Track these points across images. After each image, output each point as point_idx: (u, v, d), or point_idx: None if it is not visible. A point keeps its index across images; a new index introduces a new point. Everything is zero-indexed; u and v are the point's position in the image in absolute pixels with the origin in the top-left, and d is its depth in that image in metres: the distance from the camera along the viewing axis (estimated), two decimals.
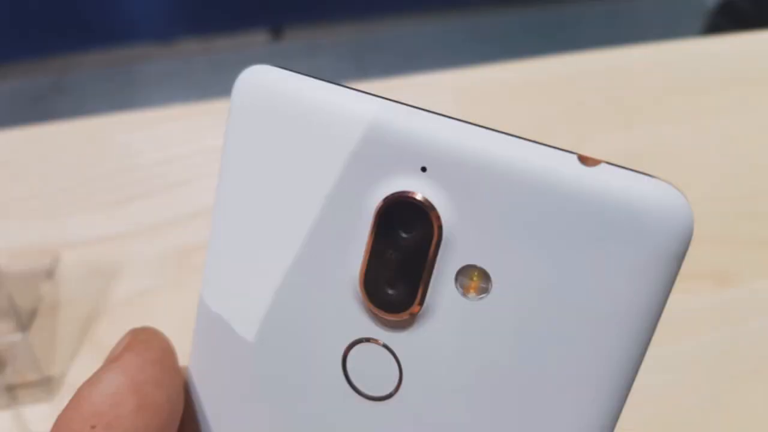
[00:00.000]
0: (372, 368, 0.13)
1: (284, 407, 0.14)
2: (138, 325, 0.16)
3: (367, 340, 0.13)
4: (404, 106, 0.12)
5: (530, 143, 0.12)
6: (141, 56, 1.36)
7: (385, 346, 0.13)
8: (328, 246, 0.13)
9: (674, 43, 0.50)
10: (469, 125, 0.12)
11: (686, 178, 0.37)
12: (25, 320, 0.31)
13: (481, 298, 0.12)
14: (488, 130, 0.12)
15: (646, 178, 0.11)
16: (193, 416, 0.16)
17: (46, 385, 0.30)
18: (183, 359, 0.16)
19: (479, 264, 0.12)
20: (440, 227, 0.12)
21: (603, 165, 0.11)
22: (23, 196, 0.39)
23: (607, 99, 0.46)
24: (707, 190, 0.39)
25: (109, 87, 1.31)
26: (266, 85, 0.13)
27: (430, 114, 0.12)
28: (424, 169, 0.12)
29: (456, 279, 0.12)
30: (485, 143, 0.12)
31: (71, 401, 0.14)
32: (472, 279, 0.12)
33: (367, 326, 0.13)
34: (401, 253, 0.12)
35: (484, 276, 0.12)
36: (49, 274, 0.34)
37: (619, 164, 0.11)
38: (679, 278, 0.11)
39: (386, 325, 0.13)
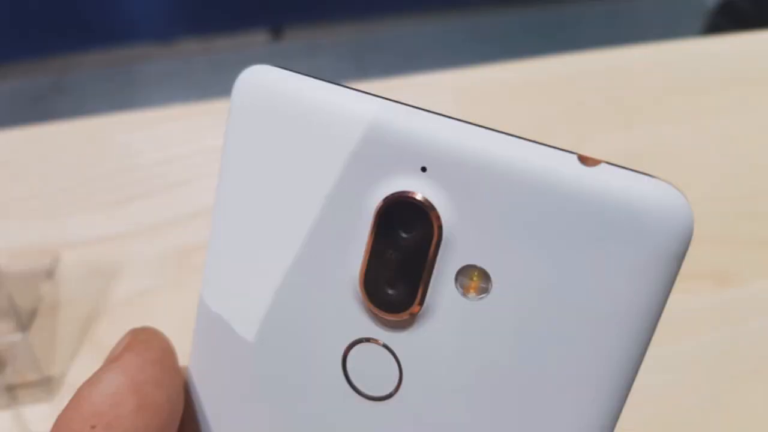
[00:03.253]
0: (372, 368, 0.13)
1: (284, 407, 0.14)
2: (138, 325, 0.16)
3: (367, 340, 0.13)
4: (404, 106, 0.12)
5: (530, 143, 0.12)
6: (141, 56, 1.36)
7: (385, 346, 0.13)
8: (328, 246, 0.13)
9: (674, 43, 0.50)
10: (469, 125, 0.12)
11: (686, 178, 0.37)
12: (25, 320, 0.31)
13: (481, 298, 0.12)
14: (488, 130, 0.12)
15: (646, 178, 0.11)
16: (193, 416, 0.16)
17: (46, 385, 0.30)
18: (183, 359, 0.16)
19: (479, 264, 0.12)
20: (440, 227, 0.12)
21: (603, 165, 0.11)
22: (23, 196, 0.39)
23: (607, 99, 0.46)
24: (707, 190, 0.39)
25: (109, 87, 1.31)
26: (266, 85, 0.13)
27: (430, 114, 0.12)
28: (424, 169, 0.12)
29: (456, 279, 0.12)
30: (485, 143, 0.12)
31: (71, 401, 0.14)
32: (472, 279, 0.12)
33: (367, 326, 0.13)
34: (401, 253, 0.12)
35: (484, 276, 0.12)
36: (49, 274, 0.34)
37: (619, 164, 0.11)
38: (679, 278, 0.11)
39: (386, 325, 0.13)
